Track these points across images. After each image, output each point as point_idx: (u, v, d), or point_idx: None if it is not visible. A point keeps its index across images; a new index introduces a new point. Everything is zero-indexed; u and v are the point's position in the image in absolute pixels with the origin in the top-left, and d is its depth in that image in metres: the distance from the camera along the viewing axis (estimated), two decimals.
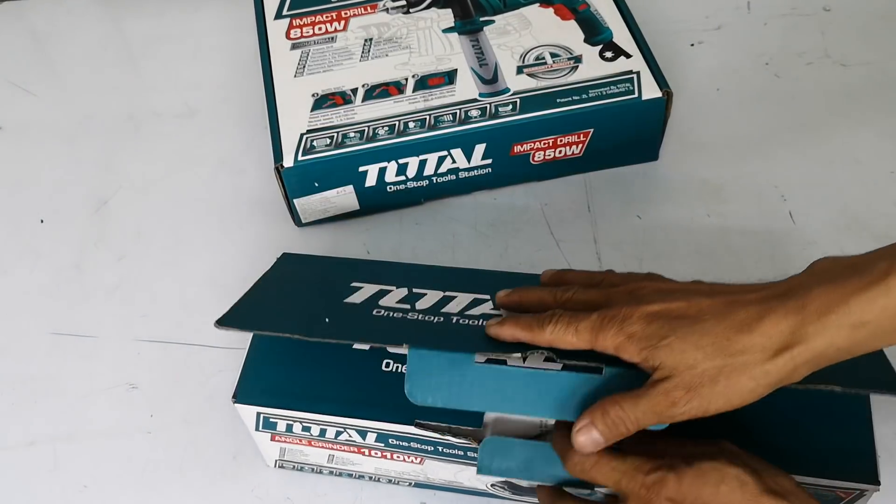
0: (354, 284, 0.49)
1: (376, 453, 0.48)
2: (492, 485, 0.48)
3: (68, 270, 0.66)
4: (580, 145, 0.64)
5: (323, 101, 0.63)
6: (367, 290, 0.48)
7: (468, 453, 0.45)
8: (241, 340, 0.50)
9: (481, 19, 0.68)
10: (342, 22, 0.69)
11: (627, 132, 0.64)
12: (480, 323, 0.44)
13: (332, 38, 0.68)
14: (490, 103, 0.61)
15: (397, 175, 0.63)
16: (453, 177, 0.64)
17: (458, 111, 0.61)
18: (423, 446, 0.46)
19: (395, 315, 0.45)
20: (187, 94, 0.77)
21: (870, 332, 0.34)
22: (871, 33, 0.74)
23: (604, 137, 0.63)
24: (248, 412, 0.47)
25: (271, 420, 0.47)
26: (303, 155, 0.60)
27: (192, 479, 0.55)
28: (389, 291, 0.48)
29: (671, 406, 0.36)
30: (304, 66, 0.66)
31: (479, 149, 0.62)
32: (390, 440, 0.46)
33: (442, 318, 0.45)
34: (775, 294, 0.36)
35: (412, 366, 0.41)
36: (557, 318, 0.40)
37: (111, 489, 0.55)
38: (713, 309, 0.37)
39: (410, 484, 0.51)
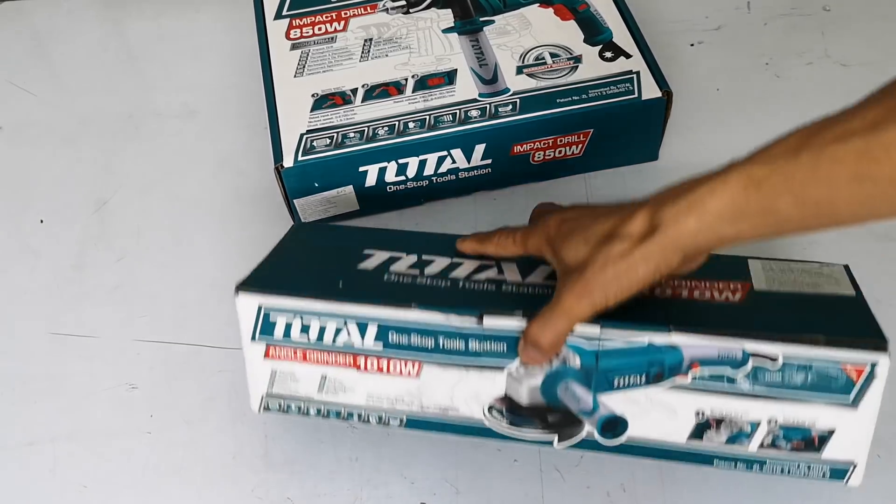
0: (367, 252, 0.51)
1: (372, 364, 0.46)
2: (489, 408, 0.46)
3: (68, 270, 0.66)
4: (580, 145, 0.64)
5: (323, 102, 0.63)
6: (378, 257, 0.50)
7: (469, 343, 0.44)
8: (241, 341, 0.50)
9: (481, 19, 0.68)
10: (342, 22, 0.69)
11: (627, 132, 0.64)
12: (486, 287, 0.47)
13: (332, 39, 0.68)
14: (490, 103, 0.62)
15: (397, 175, 0.63)
16: (453, 177, 0.64)
17: (457, 111, 0.61)
18: (423, 340, 0.45)
19: (405, 280, 0.48)
20: (187, 94, 0.77)
21: (717, 218, 0.38)
22: (871, 33, 0.74)
23: (604, 137, 0.63)
24: (249, 307, 0.46)
25: (270, 319, 0.46)
26: (303, 155, 0.60)
27: (192, 479, 0.55)
28: (400, 258, 0.50)
29: (578, 299, 0.41)
30: (304, 67, 0.66)
31: (479, 149, 0.62)
32: (390, 335, 0.45)
33: (449, 283, 0.47)
34: (644, 197, 0.43)
35: None
36: (500, 233, 0.50)
37: (111, 489, 0.55)
38: (601, 213, 0.44)
39: (401, 422, 0.48)
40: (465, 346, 0.45)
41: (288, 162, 0.60)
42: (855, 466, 0.44)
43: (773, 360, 0.42)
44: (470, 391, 0.46)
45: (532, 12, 0.68)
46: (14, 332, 0.63)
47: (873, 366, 0.41)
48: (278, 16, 0.71)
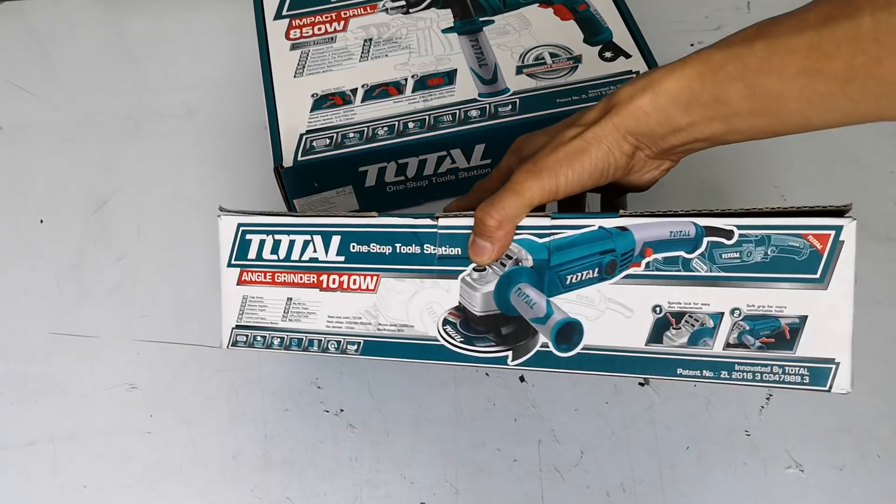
0: None
1: (334, 281, 0.47)
2: (443, 322, 0.46)
3: (68, 270, 0.66)
4: None
5: (322, 102, 0.63)
6: None
7: (424, 247, 0.45)
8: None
9: (481, 19, 0.68)
10: (342, 22, 0.69)
11: None
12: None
13: (332, 39, 0.68)
14: (490, 103, 0.62)
15: (397, 175, 0.63)
16: (453, 177, 0.64)
17: (457, 111, 0.61)
18: (381, 248, 0.46)
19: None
20: (187, 94, 0.77)
21: (671, 101, 0.39)
22: None
23: None
24: (229, 228, 0.47)
25: (247, 237, 0.47)
26: (302, 155, 0.60)
27: (192, 479, 0.55)
28: None
29: (527, 176, 0.41)
30: (304, 67, 0.66)
31: (479, 149, 0.62)
32: (351, 246, 0.46)
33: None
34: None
35: None
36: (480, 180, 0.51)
37: (111, 489, 0.55)
38: (564, 119, 0.45)
39: (359, 348, 0.48)
40: (420, 250, 0.45)
41: (288, 162, 0.60)
42: (838, 365, 0.39)
43: (728, 234, 0.40)
44: (425, 303, 0.46)
45: (532, 12, 0.68)
46: (14, 332, 0.63)
47: (838, 231, 0.38)
48: (278, 16, 0.71)
